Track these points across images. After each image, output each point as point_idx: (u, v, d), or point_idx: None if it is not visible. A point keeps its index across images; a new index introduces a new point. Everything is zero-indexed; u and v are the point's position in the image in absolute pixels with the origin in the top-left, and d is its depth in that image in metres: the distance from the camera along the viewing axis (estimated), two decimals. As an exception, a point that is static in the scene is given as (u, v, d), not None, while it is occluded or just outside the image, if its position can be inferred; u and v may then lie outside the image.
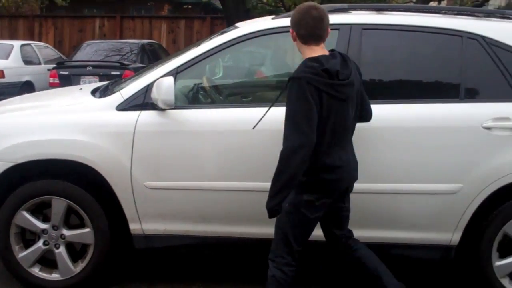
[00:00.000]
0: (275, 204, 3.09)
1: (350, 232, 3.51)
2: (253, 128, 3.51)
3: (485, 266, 3.85)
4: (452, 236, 3.84)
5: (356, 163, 3.38)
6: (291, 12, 4.33)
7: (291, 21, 3.28)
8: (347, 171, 3.28)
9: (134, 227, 4.01)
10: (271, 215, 3.15)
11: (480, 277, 3.90)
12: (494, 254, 3.84)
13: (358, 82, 3.31)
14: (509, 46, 3.86)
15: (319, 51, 3.22)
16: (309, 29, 3.20)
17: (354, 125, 3.39)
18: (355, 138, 3.41)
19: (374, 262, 3.46)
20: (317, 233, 3.42)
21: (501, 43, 3.86)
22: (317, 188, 3.21)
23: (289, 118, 3.07)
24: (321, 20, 3.22)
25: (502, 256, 3.87)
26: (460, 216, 3.79)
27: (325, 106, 3.10)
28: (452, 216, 3.79)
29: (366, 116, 3.51)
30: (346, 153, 3.28)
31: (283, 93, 3.25)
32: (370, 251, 3.49)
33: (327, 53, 3.24)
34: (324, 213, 3.32)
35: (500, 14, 4.43)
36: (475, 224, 3.83)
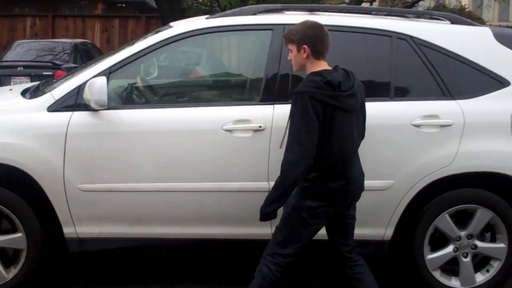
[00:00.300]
0: (271, 210, 3.27)
1: (355, 246, 3.53)
2: (280, 147, 3.52)
3: (417, 260, 3.97)
4: (385, 231, 3.94)
5: (363, 175, 3.45)
6: (226, 12, 4.37)
7: (305, 37, 3.33)
8: (354, 183, 3.36)
9: (68, 230, 3.93)
10: (264, 219, 3.32)
11: (413, 270, 4.01)
12: (426, 247, 3.96)
13: (361, 96, 3.41)
14: (437, 46, 3.99)
15: (324, 65, 3.37)
16: (326, 45, 3.37)
17: (359, 140, 3.48)
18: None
19: (370, 283, 3.51)
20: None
21: (429, 43, 3.99)
22: (322, 196, 3.30)
23: (292, 132, 3.23)
24: (329, 37, 3.40)
25: (434, 249, 3.99)
26: (392, 211, 3.89)
27: (329, 118, 3.22)
28: (385, 211, 3.90)
29: (363, 134, 3.57)
30: (353, 165, 3.35)
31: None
32: (369, 270, 3.53)
33: (330, 68, 3.36)
34: (329, 220, 3.39)
35: (429, 15, 4.58)
36: (407, 219, 3.94)
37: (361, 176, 3.43)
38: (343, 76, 3.29)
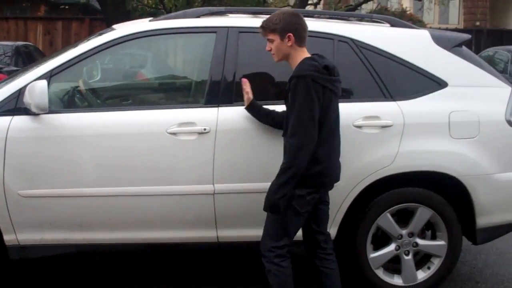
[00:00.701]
0: (279, 197, 3.20)
1: (328, 235, 3.58)
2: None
3: (360, 258, 4.04)
4: (329, 230, 3.98)
5: (339, 162, 3.51)
6: (170, 14, 4.35)
7: (289, 24, 3.35)
8: (335, 167, 3.46)
9: (8, 238, 3.83)
10: (272, 209, 3.24)
11: (356, 268, 4.08)
12: (369, 246, 4.04)
13: None
14: (377, 48, 4.06)
15: (307, 53, 3.40)
16: (306, 32, 3.42)
17: None
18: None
19: (337, 283, 3.55)
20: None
21: (369, 45, 4.07)
22: (310, 183, 3.31)
23: (296, 115, 3.22)
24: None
25: (376, 248, 4.07)
26: (336, 210, 3.94)
27: (326, 102, 3.29)
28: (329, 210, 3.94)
29: None
30: (335, 150, 3.44)
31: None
32: (338, 271, 3.57)
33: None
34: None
35: (369, 18, 4.66)
36: (351, 218, 4.01)
37: (339, 163, 3.51)
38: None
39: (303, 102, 3.22)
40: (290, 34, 3.35)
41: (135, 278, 4.41)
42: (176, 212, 3.87)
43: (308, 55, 3.40)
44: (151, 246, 4.00)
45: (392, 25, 4.33)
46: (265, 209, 3.28)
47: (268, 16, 3.47)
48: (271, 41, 3.41)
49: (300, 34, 3.38)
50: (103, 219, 3.83)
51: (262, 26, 3.45)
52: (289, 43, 3.36)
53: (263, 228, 3.42)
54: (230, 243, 3.94)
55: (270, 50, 3.45)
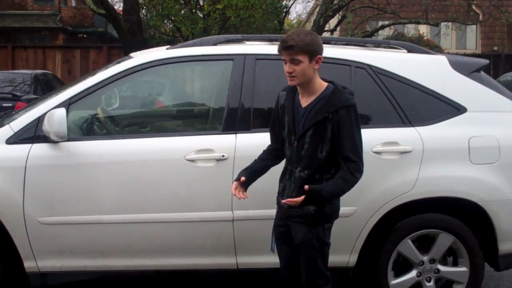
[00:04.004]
0: (328, 197, 3.21)
1: None
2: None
3: (382, 285, 3.99)
4: (349, 258, 3.96)
5: None
6: (187, 42, 4.39)
7: (319, 47, 3.20)
8: None
9: (29, 265, 3.85)
10: (312, 195, 3.17)
11: (377, 296, 4.03)
12: (390, 273, 3.99)
13: None
14: (394, 74, 4.06)
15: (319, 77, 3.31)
16: None
17: None
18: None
19: None
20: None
21: (387, 71, 4.06)
22: (334, 215, 3.33)
23: (357, 143, 3.21)
24: None
25: (397, 274, 4.02)
26: (355, 238, 3.91)
27: None
28: (348, 238, 3.91)
29: None
30: None
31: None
32: None
33: None
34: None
35: (386, 44, 4.67)
36: (371, 245, 3.97)
37: None
38: None
39: (357, 130, 3.21)
40: (320, 56, 3.21)
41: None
42: (195, 239, 3.86)
43: (323, 81, 3.29)
44: (171, 273, 3.98)
45: (409, 51, 4.33)
46: (309, 192, 3.15)
47: (291, 34, 3.25)
48: (297, 62, 3.16)
49: (321, 58, 3.24)
50: (123, 246, 3.83)
51: (290, 45, 3.15)
52: (316, 66, 3.20)
53: (304, 271, 3.35)
54: (250, 269, 3.91)
55: (292, 72, 3.19)
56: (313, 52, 3.17)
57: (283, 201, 3.26)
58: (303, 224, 3.26)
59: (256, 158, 3.53)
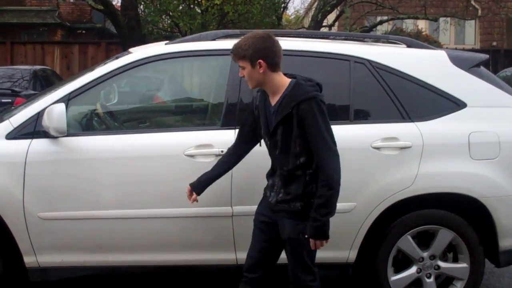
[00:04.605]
0: (328, 218, 3.16)
1: None
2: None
3: (381, 281, 3.99)
4: (349, 254, 3.95)
5: None
6: (186, 37, 4.37)
7: (258, 50, 3.14)
8: None
9: (28, 260, 3.85)
10: (325, 235, 3.17)
11: (377, 292, 4.02)
12: (390, 269, 3.99)
13: None
14: (394, 69, 4.05)
15: (284, 76, 3.25)
16: (280, 55, 3.23)
17: None
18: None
19: None
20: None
21: (386, 66, 4.05)
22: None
23: (323, 134, 3.12)
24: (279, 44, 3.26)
25: (397, 270, 4.02)
26: (355, 234, 3.91)
27: None
28: (348, 234, 3.91)
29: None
30: None
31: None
32: None
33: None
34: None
35: (385, 39, 4.66)
36: (370, 241, 3.97)
37: None
38: None
39: (323, 123, 3.12)
40: (261, 61, 3.15)
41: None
42: (194, 234, 3.86)
43: (285, 78, 3.25)
44: (170, 269, 3.97)
45: (409, 46, 4.32)
46: (316, 236, 3.15)
47: (240, 40, 3.24)
48: (242, 68, 3.22)
49: (272, 60, 3.17)
50: (122, 241, 3.83)
51: (231, 52, 3.24)
52: (261, 70, 3.16)
53: (290, 267, 3.33)
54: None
55: (243, 77, 3.27)
56: (251, 58, 3.16)
57: (316, 246, 3.22)
58: (290, 219, 3.25)
59: (218, 161, 3.58)
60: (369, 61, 4.05)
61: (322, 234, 3.15)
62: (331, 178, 3.10)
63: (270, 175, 3.42)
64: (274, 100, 3.26)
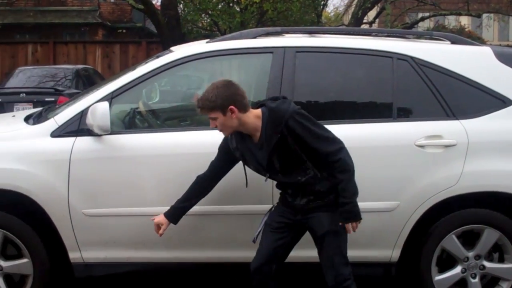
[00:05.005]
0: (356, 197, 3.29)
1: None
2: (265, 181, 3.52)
3: (425, 281, 3.93)
4: (392, 253, 3.91)
5: None
6: (226, 36, 4.37)
7: (225, 100, 3.21)
8: None
9: (73, 255, 3.92)
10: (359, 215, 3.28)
11: (420, 291, 3.97)
12: (434, 269, 3.93)
13: None
14: (437, 66, 3.99)
15: (253, 111, 3.33)
16: (245, 97, 3.31)
17: None
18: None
19: None
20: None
21: (430, 63, 3.99)
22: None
23: (320, 134, 3.25)
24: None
25: (441, 270, 3.96)
26: (398, 233, 3.86)
27: None
28: (391, 233, 3.87)
29: None
30: None
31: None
32: None
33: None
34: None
35: (429, 35, 4.59)
36: (414, 240, 3.91)
37: None
38: None
39: (313, 126, 3.24)
40: (232, 107, 3.22)
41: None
42: (236, 232, 3.86)
43: (255, 110, 3.32)
44: (214, 266, 4.00)
45: (453, 42, 4.25)
46: (350, 219, 3.26)
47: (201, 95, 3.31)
48: (214, 119, 3.27)
49: (241, 103, 3.25)
50: (165, 238, 3.84)
51: (200, 107, 3.30)
52: (234, 116, 3.24)
53: (328, 262, 3.36)
54: (290, 263, 3.88)
55: (216, 127, 3.31)
56: (222, 107, 3.23)
57: (352, 231, 3.32)
58: (328, 212, 3.32)
59: (191, 188, 3.60)
60: (412, 58, 3.99)
61: (354, 215, 3.26)
62: (344, 162, 3.23)
63: (282, 188, 3.49)
64: (256, 136, 3.33)
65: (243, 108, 3.27)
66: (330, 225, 3.32)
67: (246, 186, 3.55)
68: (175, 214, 3.58)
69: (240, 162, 3.54)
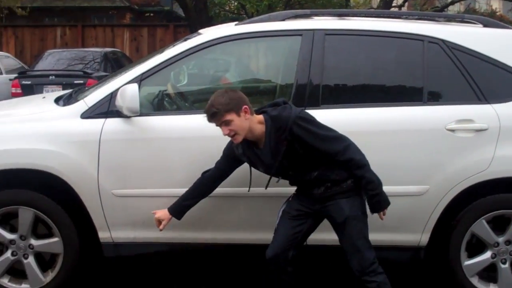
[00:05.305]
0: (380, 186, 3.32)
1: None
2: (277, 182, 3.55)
3: (454, 266, 3.90)
4: (421, 237, 3.88)
5: None
6: (254, 18, 4.36)
7: (237, 100, 3.29)
8: None
9: (103, 235, 3.97)
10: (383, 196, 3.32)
11: (450, 276, 3.95)
12: (463, 253, 3.90)
13: None
14: (469, 49, 3.93)
15: (257, 116, 3.39)
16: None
17: None
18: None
19: None
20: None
21: (461, 46, 3.93)
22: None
23: (326, 136, 3.29)
24: None
25: (471, 255, 3.92)
26: (428, 217, 3.84)
27: None
28: (420, 217, 3.84)
29: None
30: None
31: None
32: None
33: None
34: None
35: (460, 18, 4.52)
36: (443, 224, 3.88)
37: None
38: None
39: (318, 128, 3.29)
40: (245, 106, 3.29)
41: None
42: (265, 214, 3.86)
43: (258, 117, 3.36)
44: (241, 247, 4.01)
45: (485, 25, 4.18)
46: (380, 208, 3.32)
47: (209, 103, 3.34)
48: (228, 123, 3.28)
49: (248, 104, 3.32)
50: (193, 219, 3.87)
51: (213, 112, 3.29)
52: (247, 116, 3.29)
53: (349, 249, 3.37)
54: (315, 246, 3.88)
55: (228, 134, 3.31)
56: (236, 107, 3.28)
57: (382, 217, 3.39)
58: (346, 198, 3.34)
59: (196, 185, 3.65)
60: (443, 41, 3.94)
61: (384, 203, 3.31)
62: (357, 160, 3.26)
63: (297, 184, 3.51)
64: (261, 143, 3.37)
65: (251, 111, 3.34)
66: (350, 211, 3.32)
67: (248, 191, 3.61)
68: (179, 210, 3.65)
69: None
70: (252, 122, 3.33)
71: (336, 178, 3.33)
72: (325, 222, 3.50)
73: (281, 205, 3.58)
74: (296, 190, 3.56)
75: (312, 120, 3.32)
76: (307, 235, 3.55)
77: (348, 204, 3.33)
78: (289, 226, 3.48)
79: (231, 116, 3.27)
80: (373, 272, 3.32)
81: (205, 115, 3.37)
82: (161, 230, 3.65)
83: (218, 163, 3.62)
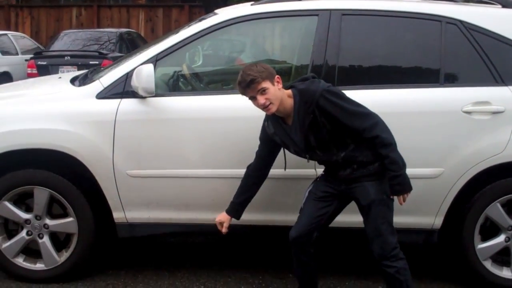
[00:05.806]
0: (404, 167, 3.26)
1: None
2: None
3: (467, 249, 3.89)
4: (435, 220, 3.87)
5: None
6: (270, -1, 4.31)
7: (270, 70, 3.29)
8: None
9: (117, 215, 3.99)
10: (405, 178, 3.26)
11: (463, 260, 3.94)
12: (476, 237, 3.88)
13: None
14: (487, 30, 3.88)
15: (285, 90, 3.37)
16: None
17: None
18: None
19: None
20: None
21: (480, 27, 3.89)
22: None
23: (355, 111, 3.24)
24: None
25: (484, 239, 3.91)
26: (442, 200, 3.82)
27: None
28: (434, 200, 3.83)
29: None
30: None
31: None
32: None
33: None
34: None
35: (478, -1, 4.45)
36: (457, 207, 3.87)
37: None
38: None
39: (346, 102, 3.24)
40: (278, 76, 3.29)
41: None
42: (278, 195, 3.88)
43: (287, 91, 3.33)
44: (255, 228, 4.02)
45: (504, 6, 4.12)
46: (402, 191, 3.26)
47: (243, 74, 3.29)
48: (264, 91, 3.23)
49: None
50: (207, 200, 3.89)
51: (251, 80, 3.23)
52: (279, 86, 3.28)
53: (372, 232, 3.33)
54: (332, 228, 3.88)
55: (264, 104, 3.25)
56: (270, 75, 3.27)
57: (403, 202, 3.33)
58: (372, 181, 3.30)
59: (244, 183, 3.63)
60: (461, 21, 3.89)
61: (406, 186, 3.25)
62: (383, 137, 3.20)
63: (324, 164, 3.49)
64: (290, 119, 3.34)
65: (281, 82, 3.32)
66: (376, 194, 3.29)
67: (285, 170, 3.57)
68: (235, 209, 3.64)
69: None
70: (283, 93, 3.30)
71: (364, 160, 3.29)
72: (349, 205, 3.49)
73: (308, 185, 3.57)
74: (324, 171, 3.54)
75: (341, 95, 3.27)
76: (332, 218, 3.52)
77: (374, 188, 3.30)
78: (315, 207, 3.46)
79: (267, 84, 3.24)
80: (394, 257, 3.30)
81: (238, 87, 3.32)
82: (224, 233, 3.65)
83: (258, 152, 3.59)
